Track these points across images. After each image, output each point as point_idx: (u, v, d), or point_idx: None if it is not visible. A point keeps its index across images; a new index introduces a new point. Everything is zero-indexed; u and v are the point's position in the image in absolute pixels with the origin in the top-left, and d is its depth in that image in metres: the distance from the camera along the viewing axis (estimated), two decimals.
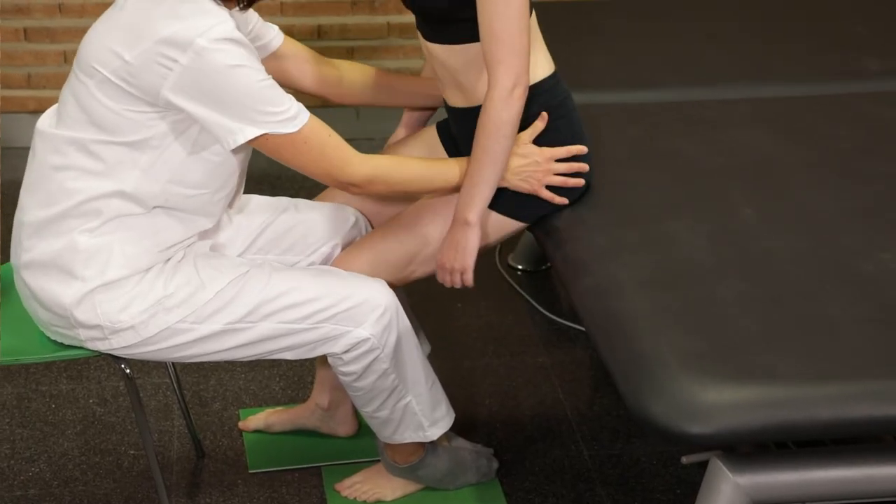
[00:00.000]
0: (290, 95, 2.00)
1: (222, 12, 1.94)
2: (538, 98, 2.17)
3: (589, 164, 2.25)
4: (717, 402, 1.79)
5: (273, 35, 2.24)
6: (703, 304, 2.00)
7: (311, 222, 2.33)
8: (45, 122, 2.06)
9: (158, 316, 2.07)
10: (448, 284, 2.23)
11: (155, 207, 2.04)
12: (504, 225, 2.26)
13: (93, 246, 2.03)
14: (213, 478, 2.52)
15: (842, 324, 1.94)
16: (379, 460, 2.44)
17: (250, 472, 2.53)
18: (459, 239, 2.16)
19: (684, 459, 2.18)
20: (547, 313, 3.08)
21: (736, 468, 1.90)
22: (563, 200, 2.23)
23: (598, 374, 2.87)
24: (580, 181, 2.23)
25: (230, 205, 2.20)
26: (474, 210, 2.14)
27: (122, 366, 2.15)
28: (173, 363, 2.51)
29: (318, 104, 2.35)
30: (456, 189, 2.17)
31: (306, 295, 2.12)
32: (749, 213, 2.27)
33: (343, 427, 2.58)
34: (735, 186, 2.37)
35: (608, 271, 2.11)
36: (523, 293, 3.16)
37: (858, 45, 3.10)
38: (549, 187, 2.21)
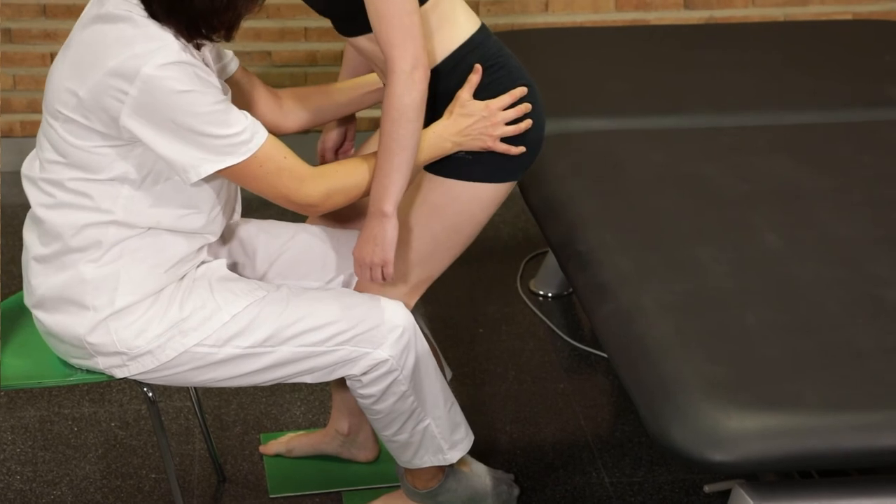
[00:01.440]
0: (244, 114, 1.97)
1: (167, 35, 1.93)
2: (472, 54, 2.12)
3: (538, 105, 2.17)
4: (740, 429, 1.78)
5: (230, 59, 2.22)
6: (726, 331, 1.99)
7: (329, 248, 2.33)
8: (28, 166, 2.08)
9: (175, 339, 2.07)
10: (367, 280, 2.15)
11: (151, 228, 2.05)
12: (490, 193, 2.18)
13: (99, 276, 2.04)
14: (234, 502, 2.52)
15: (867, 352, 1.93)
16: (399, 486, 2.44)
17: (270, 496, 2.52)
18: (377, 232, 2.09)
19: (707, 488, 2.17)
20: (568, 339, 3.07)
21: (759, 497, 1.88)
22: (521, 149, 2.15)
23: (620, 400, 2.86)
24: (529, 122, 2.15)
25: (230, 217, 2.19)
26: (390, 200, 2.06)
27: (145, 389, 2.15)
28: (195, 387, 2.52)
29: None
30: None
31: (325, 318, 2.12)
32: (773, 239, 2.26)
33: (363, 452, 2.58)
34: (759, 213, 2.36)
35: (631, 296, 2.10)
36: (545, 319, 3.15)
37: (883, 74, 3.09)
38: (505, 139, 2.13)
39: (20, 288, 2.33)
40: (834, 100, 2.96)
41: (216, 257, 2.21)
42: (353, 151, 2.41)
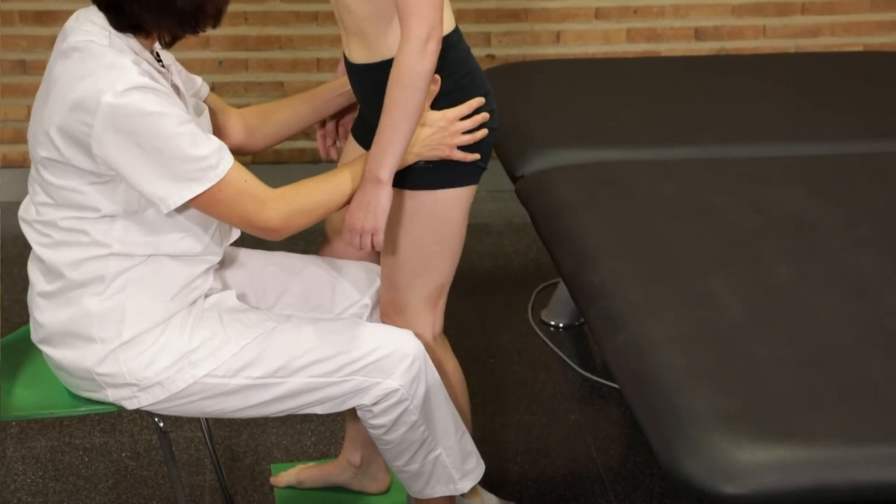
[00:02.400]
0: (210, 138, 1.96)
1: (125, 61, 1.93)
2: (446, 53, 2.10)
3: (494, 112, 2.17)
4: (752, 461, 1.77)
5: (199, 85, 2.22)
6: (739, 363, 1.98)
7: (338, 280, 2.32)
8: (24, 209, 2.09)
9: (185, 370, 2.07)
10: (357, 248, 2.13)
11: (151, 256, 2.06)
12: (455, 196, 2.17)
13: (104, 309, 2.04)
14: None
15: (881, 385, 1.92)
16: None
17: None
18: (371, 198, 2.06)
19: None
20: (580, 370, 3.06)
21: None
22: (476, 156, 2.15)
23: (632, 431, 2.85)
24: (485, 132, 2.15)
25: (228, 237, 2.18)
26: (386, 167, 2.05)
27: (156, 419, 2.15)
28: (206, 417, 2.51)
29: None
30: None
31: (335, 348, 2.12)
32: (786, 271, 2.26)
33: (374, 484, 2.57)
34: (771, 244, 2.35)
35: (642, 327, 2.10)
36: (556, 349, 3.15)
37: (895, 105, 3.09)
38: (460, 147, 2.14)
39: None
40: (845, 131, 2.96)
41: (225, 288, 2.21)
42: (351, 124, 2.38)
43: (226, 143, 2.03)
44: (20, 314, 3.15)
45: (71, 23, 2.01)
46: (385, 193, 2.07)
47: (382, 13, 2.06)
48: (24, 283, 3.23)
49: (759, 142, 2.90)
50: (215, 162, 1.96)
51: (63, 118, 1.93)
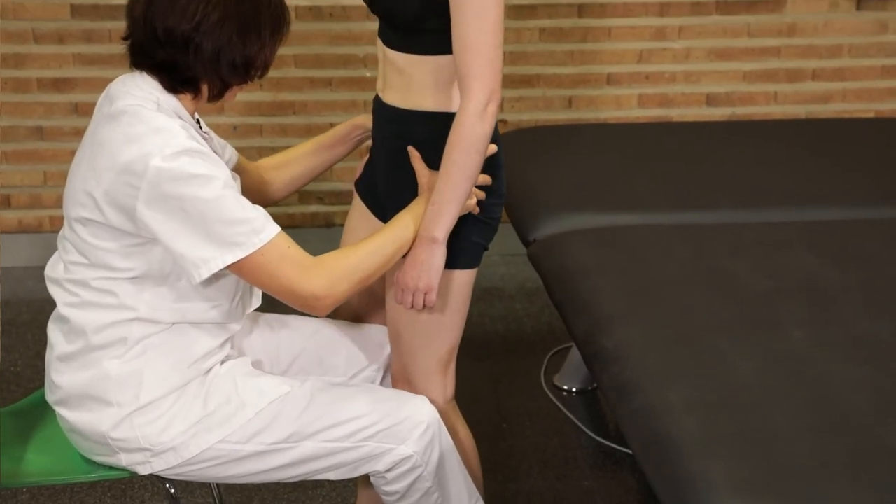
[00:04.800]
0: (252, 206, 1.97)
1: (173, 124, 1.94)
2: None
3: (501, 187, 2.20)
4: None
5: (231, 152, 2.25)
6: (754, 429, 1.97)
7: (351, 343, 2.32)
8: (51, 268, 2.10)
9: (200, 436, 2.06)
10: (407, 306, 2.14)
11: (175, 324, 2.06)
12: (461, 275, 2.19)
13: (124, 372, 2.04)
14: None
15: None
16: None
17: None
18: (426, 258, 2.09)
19: None
20: (593, 435, 3.04)
21: None
22: (482, 194, 2.16)
23: (646, 498, 2.82)
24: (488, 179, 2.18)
25: (250, 303, 2.18)
26: (442, 227, 2.07)
27: (167, 486, 2.14)
28: (217, 483, 2.50)
29: None
30: (412, 242, 2.12)
31: (349, 413, 2.11)
32: (800, 336, 2.25)
33: None
34: (785, 309, 2.35)
35: (656, 393, 2.09)
36: (569, 414, 3.13)
37: None
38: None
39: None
40: (857, 196, 2.96)
41: (240, 353, 2.22)
42: None
43: (248, 198, 2.02)
44: (33, 379, 3.15)
45: (117, 86, 2.03)
46: (440, 253, 2.09)
47: (429, 74, 2.09)
48: (38, 347, 3.22)
49: (772, 207, 2.90)
50: (259, 227, 1.96)
51: (110, 182, 1.94)
